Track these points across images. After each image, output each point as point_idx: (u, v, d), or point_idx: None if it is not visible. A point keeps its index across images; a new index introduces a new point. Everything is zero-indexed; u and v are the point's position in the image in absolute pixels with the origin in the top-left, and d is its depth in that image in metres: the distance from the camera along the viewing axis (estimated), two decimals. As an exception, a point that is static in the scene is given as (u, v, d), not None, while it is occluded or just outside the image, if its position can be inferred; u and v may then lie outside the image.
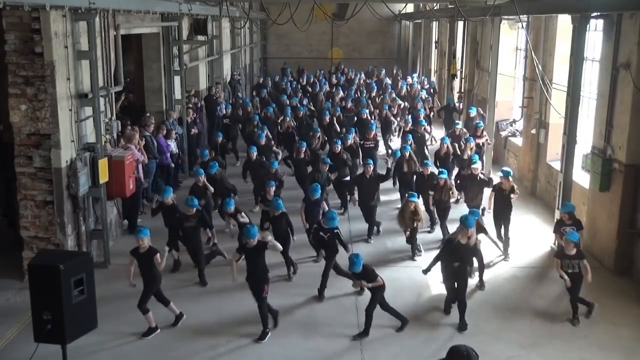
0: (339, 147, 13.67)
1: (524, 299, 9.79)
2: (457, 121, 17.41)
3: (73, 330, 6.40)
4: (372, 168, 12.21)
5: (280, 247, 8.79)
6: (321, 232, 9.79)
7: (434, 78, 28.51)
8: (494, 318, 9.17)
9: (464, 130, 16.28)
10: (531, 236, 12.37)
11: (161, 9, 13.87)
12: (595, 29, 12.37)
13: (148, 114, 14.51)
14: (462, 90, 21.80)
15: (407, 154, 13.30)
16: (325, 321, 9.05)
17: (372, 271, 8.61)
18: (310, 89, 24.29)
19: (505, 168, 11.82)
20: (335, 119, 17.58)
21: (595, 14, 10.86)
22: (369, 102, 21.14)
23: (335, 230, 9.70)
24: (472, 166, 11.99)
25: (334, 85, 24.79)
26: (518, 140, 16.90)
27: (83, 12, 9.88)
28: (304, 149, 14.12)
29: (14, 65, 9.41)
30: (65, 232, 9.90)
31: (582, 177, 12.15)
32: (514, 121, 17.98)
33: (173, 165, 14.81)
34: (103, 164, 10.52)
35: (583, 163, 12.06)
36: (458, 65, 21.93)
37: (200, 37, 18.74)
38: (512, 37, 18.27)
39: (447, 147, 14.08)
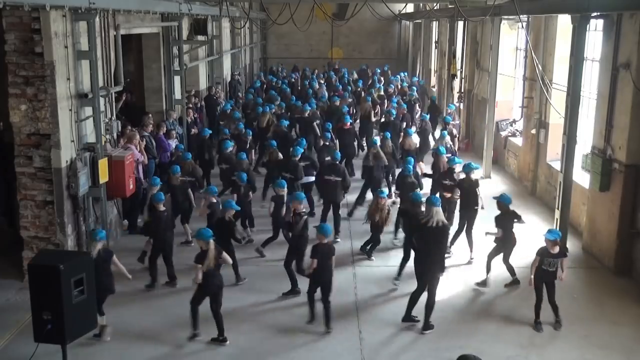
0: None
1: (523, 299, 9.78)
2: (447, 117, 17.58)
3: (73, 330, 6.40)
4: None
5: None
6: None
7: (434, 78, 28.55)
8: (494, 318, 9.17)
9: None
10: (531, 236, 12.35)
11: (161, 9, 13.88)
12: (595, 29, 12.37)
13: (150, 114, 14.52)
14: (462, 90, 21.82)
15: (376, 147, 13.44)
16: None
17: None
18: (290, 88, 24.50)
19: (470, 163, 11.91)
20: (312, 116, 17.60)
21: (595, 14, 10.86)
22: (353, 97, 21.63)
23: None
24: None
25: (321, 84, 25.01)
26: (518, 140, 16.90)
27: (83, 12, 9.88)
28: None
29: (14, 65, 9.41)
30: (65, 232, 9.89)
31: (582, 177, 12.16)
32: (514, 121, 17.98)
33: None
34: (103, 164, 10.53)
35: (583, 163, 12.07)
36: (458, 65, 21.94)
37: (200, 37, 18.75)
38: (512, 37, 18.27)
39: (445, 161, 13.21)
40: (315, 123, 17.11)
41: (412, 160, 13.12)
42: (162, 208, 10.03)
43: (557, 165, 12.95)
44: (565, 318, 9.14)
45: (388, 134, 14.96)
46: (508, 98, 18.61)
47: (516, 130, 17.52)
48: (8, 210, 12.01)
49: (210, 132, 15.78)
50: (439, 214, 8.84)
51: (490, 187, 16.06)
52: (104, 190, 10.75)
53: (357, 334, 8.73)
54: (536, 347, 8.40)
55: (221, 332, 8.39)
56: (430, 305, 8.71)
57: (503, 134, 17.79)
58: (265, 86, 25.42)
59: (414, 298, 8.86)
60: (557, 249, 8.73)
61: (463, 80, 21.86)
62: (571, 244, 11.79)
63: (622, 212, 10.46)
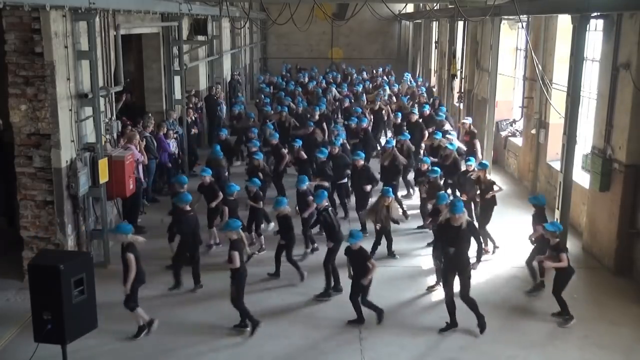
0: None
1: (524, 299, 9.79)
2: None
3: (73, 330, 6.40)
4: (361, 161, 12.62)
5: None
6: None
7: (434, 78, 28.56)
8: (494, 318, 9.14)
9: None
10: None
11: (161, 9, 13.88)
12: (595, 29, 12.37)
13: (150, 114, 14.52)
14: (462, 90, 21.83)
15: (390, 149, 13.51)
16: (325, 321, 9.06)
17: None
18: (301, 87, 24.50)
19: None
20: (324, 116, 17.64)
21: (595, 14, 10.86)
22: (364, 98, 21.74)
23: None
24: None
25: (329, 83, 24.94)
26: (518, 140, 16.91)
27: (83, 12, 9.88)
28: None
29: (14, 65, 9.41)
30: (65, 232, 9.89)
31: (582, 177, 12.16)
32: (514, 121, 17.99)
33: (170, 165, 14.77)
34: (103, 164, 10.52)
35: (583, 163, 12.07)
36: (458, 65, 21.94)
37: (200, 37, 18.75)
38: (512, 37, 18.28)
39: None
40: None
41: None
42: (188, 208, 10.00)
43: (557, 165, 12.95)
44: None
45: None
46: (508, 98, 18.63)
47: (516, 130, 17.52)
48: (8, 210, 12.02)
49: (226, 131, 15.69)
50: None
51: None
52: (104, 190, 10.75)
53: (357, 334, 8.73)
54: (536, 347, 8.40)
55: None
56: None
57: (503, 134, 17.80)
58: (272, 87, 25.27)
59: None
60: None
61: (463, 80, 21.87)
62: (571, 244, 11.77)
63: (622, 212, 10.46)
